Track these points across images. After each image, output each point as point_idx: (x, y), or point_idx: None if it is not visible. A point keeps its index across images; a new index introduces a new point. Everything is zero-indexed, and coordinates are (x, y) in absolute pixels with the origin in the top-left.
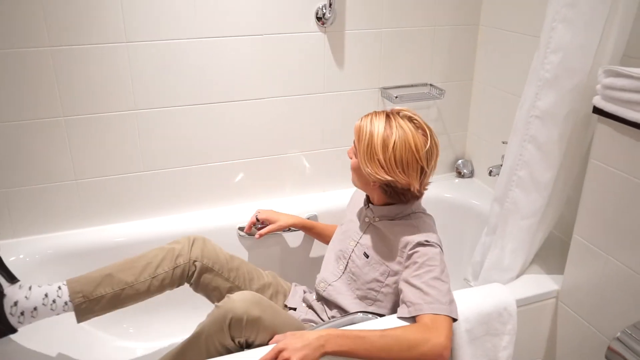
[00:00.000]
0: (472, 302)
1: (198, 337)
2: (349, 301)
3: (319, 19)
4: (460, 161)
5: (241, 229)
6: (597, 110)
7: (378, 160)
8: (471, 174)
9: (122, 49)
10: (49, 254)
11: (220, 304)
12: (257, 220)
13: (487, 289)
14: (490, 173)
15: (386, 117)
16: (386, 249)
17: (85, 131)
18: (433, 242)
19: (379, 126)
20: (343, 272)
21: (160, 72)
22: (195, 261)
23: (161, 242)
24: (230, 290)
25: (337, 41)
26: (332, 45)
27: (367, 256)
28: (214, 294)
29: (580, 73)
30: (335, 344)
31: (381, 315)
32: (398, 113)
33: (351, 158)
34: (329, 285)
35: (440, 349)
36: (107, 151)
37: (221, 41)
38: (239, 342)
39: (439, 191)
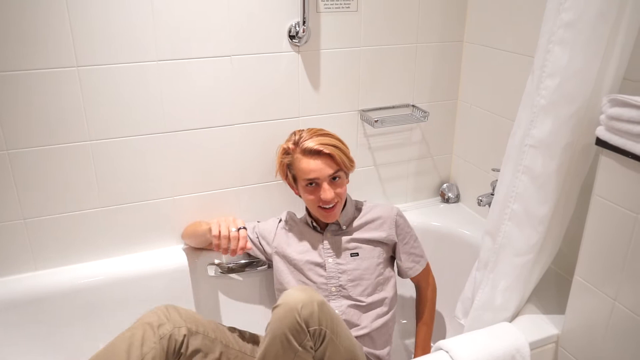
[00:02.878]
0: (481, 344)
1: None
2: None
3: (292, 37)
4: (445, 185)
5: (216, 265)
6: (600, 142)
7: (350, 157)
8: (457, 199)
9: (72, 73)
10: None
11: (280, 302)
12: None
13: (496, 330)
14: (479, 202)
15: (313, 132)
16: (372, 231)
17: (32, 165)
18: (394, 206)
19: (327, 136)
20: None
21: (116, 99)
22: (179, 327)
23: (124, 283)
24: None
25: (312, 61)
26: (306, 65)
27: (356, 254)
28: None
29: (579, 99)
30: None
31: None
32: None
33: (337, 185)
34: (345, 309)
35: (435, 288)
36: (58, 187)
37: (184, 64)
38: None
39: (425, 219)
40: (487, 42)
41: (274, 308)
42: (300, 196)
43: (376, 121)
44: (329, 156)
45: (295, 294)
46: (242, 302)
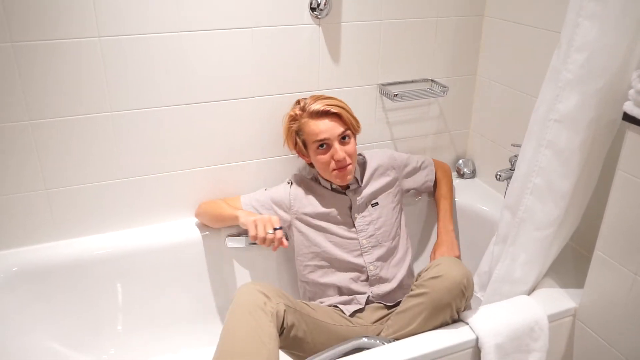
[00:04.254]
0: (500, 316)
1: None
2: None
3: (313, 9)
4: (461, 160)
5: (233, 236)
6: (628, 117)
7: (355, 117)
8: (473, 174)
9: (94, 44)
10: (14, 272)
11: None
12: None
13: (514, 302)
14: (498, 177)
15: (317, 97)
16: (382, 179)
17: (55, 136)
18: (388, 150)
19: (331, 98)
20: (368, 246)
21: (138, 70)
22: (278, 302)
23: (145, 254)
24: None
25: (333, 34)
26: (327, 38)
27: (376, 204)
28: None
29: (606, 74)
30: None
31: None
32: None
33: (347, 145)
34: (376, 260)
35: (447, 167)
36: (79, 158)
37: (206, 35)
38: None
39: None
40: (508, 17)
41: (431, 278)
42: (310, 165)
43: (395, 95)
44: (337, 116)
45: (454, 266)
46: (262, 272)
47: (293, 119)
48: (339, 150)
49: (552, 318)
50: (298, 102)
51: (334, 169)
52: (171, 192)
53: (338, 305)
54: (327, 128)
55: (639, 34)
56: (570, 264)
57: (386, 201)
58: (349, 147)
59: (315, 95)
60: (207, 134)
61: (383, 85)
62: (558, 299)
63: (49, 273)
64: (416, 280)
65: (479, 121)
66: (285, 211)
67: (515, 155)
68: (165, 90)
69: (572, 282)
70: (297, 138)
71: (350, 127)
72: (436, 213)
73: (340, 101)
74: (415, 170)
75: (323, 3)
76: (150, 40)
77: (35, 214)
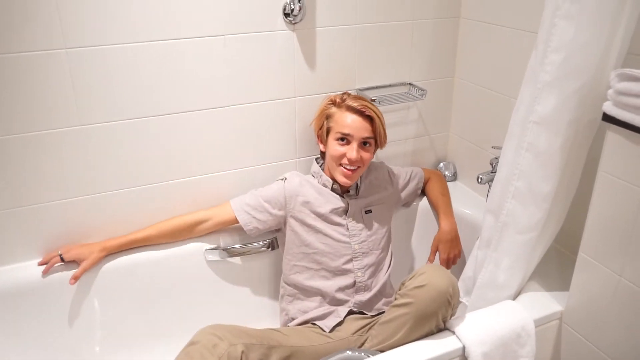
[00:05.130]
0: (486, 323)
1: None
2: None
3: (286, 15)
4: (442, 164)
5: (216, 249)
6: (607, 118)
7: (385, 132)
8: (454, 177)
9: (60, 56)
10: None
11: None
12: (63, 260)
13: (500, 308)
14: (479, 181)
15: (361, 97)
16: (378, 192)
17: (21, 152)
18: (383, 163)
19: (372, 105)
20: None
21: (107, 82)
22: (234, 344)
23: (120, 270)
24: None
25: (308, 40)
26: (302, 44)
27: (370, 212)
28: None
29: (584, 74)
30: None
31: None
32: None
33: (365, 151)
34: (365, 268)
35: (438, 172)
36: (49, 173)
37: (177, 44)
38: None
39: (421, 197)
40: (484, 18)
41: (416, 287)
42: (321, 152)
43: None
44: (369, 119)
45: (440, 275)
46: (245, 286)
47: (332, 102)
48: (355, 151)
49: (539, 322)
50: (342, 93)
51: (342, 165)
52: (147, 206)
53: (315, 322)
54: (355, 125)
55: (615, 34)
56: (555, 266)
57: (379, 212)
58: (366, 154)
59: (358, 95)
60: (184, 145)
61: (360, 90)
62: (544, 303)
63: (17, 295)
64: (400, 289)
65: (459, 123)
66: (279, 209)
67: (496, 158)
68: (136, 102)
69: (558, 285)
70: (325, 122)
71: (376, 137)
72: (434, 209)
73: (378, 111)
74: (407, 183)
75: (297, 9)
76: (119, 51)
77: (2, 233)
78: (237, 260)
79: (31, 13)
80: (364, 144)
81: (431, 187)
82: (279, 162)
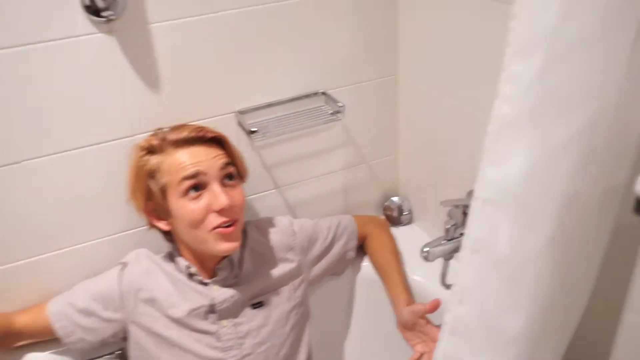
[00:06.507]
0: None
1: None
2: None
3: (93, 10)
4: (391, 200)
5: None
6: None
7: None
8: (408, 219)
9: None
10: None
11: None
12: None
13: None
14: (425, 257)
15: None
16: (273, 266)
17: None
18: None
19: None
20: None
21: None
22: None
23: None
24: None
25: (139, 43)
26: (129, 52)
27: (260, 304)
28: None
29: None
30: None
31: None
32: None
33: (233, 189)
34: None
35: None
36: None
37: None
38: None
39: (360, 256)
40: None
41: None
42: (167, 237)
43: (253, 132)
44: (217, 143)
45: None
46: None
47: (147, 151)
48: (222, 193)
49: None
50: (155, 133)
51: (215, 227)
52: None
53: None
54: (200, 157)
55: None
56: None
57: (279, 300)
58: (237, 193)
59: (180, 124)
60: None
61: (241, 113)
62: None
63: None
64: None
65: (409, 141)
66: (114, 310)
67: (459, 208)
68: None
69: None
70: (151, 184)
71: (237, 161)
72: (383, 279)
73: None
74: (329, 248)
75: None
76: None
77: None
78: None
79: None
80: (227, 178)
81: (374, 245)
82: (121, 233)
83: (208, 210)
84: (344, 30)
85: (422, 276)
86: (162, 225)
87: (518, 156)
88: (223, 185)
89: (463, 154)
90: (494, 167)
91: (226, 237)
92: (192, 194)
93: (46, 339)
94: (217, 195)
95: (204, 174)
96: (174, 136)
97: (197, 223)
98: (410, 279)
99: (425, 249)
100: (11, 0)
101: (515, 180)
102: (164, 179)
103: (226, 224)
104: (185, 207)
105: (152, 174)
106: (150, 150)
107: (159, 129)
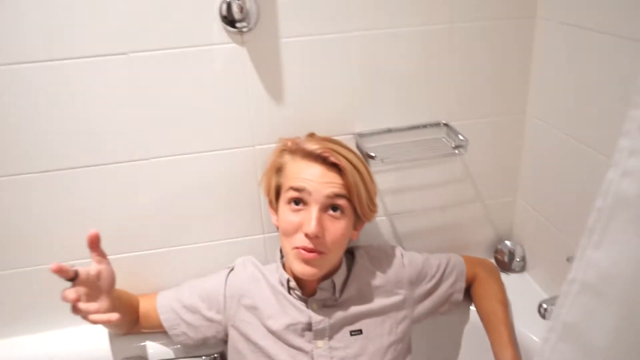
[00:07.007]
0: None
1: None
2: None
3: (227, 19)
4: (503, 244)
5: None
6: None
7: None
8: (522, 267)
9: None
10: None
11: None
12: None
13: None
14: (542, 312)
15: (324, 137)
16: (377, 297)
17: None
18: (396, 247)
19: (345, 148)
20: None
21: None
22: None
23: None
24: None
25: (267, 57)
26: (258, 65)
27: (359, 332)
28: None
29: None
30: None
31: None
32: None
33: (333, 221)
34: None
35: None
36: None
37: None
38: None
39: (464, 302)
40: (576, 19)
41: None
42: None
43: (372, 157)
44: (337, 169)
45: None
46: None
47: (282, 149)
48: (314, 220)
49: None
50: (297, 137)
51: (296, 247)
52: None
53: None
54: (313, 177)
55: None
56: None
57: (378, 332)
58: (335, 227)
59: (324, 137)
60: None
61: (360, 136)
62: None
63: None
64: None
65: (531, 184)
66: (217, 312)
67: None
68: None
69: None
70: (275, 178)
71: (352, 197)
72: (487, 329)
73: (356, 155)
74: (436, 286)
75: (237, 9)
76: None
77: None
78: None
79: None
80: (332, 208)
81: (481, 290)
82: (242, 237)
83: (299, 228)
84: (476, 64)
85: (531, 331)
86: (274, 218)
87: (633, 242)
88: (325, 212)
89: (590, 206)
90: (601, 250)
91: (304, 261)
92: (294, 205)
93: (150, 330)
94: (309, 219)
95: (309, 193)
96: (305, 145)
97: (288, 234)
98: (519, 332)
99: (544, 306)
100: (155, 4)
101: (627, 269)
102: (282, 179)
103: (307, 246)
104: (285, 214)
105: (279, 169)
106: (284, 149)
107: (311, 133)
